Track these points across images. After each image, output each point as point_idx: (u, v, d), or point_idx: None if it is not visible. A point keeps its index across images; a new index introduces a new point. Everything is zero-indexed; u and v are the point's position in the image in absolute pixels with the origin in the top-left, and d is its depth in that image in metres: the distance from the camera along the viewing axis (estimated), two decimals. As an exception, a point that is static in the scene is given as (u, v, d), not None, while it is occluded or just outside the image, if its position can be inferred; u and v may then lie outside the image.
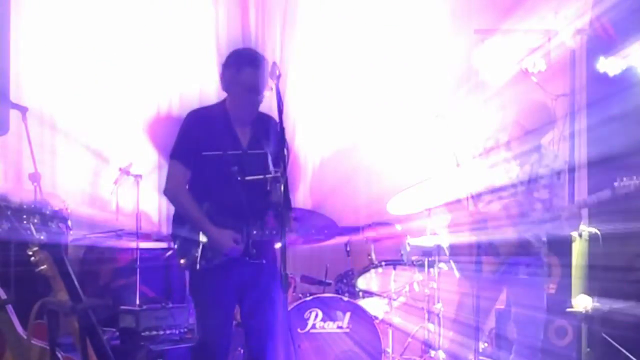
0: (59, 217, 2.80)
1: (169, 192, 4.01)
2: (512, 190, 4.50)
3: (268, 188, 3.76)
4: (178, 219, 4.02)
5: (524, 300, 4.46)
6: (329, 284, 6.05)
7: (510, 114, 4.55)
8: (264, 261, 3.95)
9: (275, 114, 3.72)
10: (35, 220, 2.71)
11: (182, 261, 3.98)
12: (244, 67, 3.91)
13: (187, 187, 3.99)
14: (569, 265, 5.82)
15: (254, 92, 3.90)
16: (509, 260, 4.45)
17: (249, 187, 3.88)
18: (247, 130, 4.01)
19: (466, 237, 4.45)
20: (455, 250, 4.57)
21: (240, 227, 3.91)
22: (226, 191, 3.92)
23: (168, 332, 5.74)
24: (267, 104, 3.99)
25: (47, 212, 2.73)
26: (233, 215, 3.91)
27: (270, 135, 3.93)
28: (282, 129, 3.65)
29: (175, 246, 4.03)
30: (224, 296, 3.98)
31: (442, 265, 5.36)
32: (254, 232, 3.91)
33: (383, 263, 5.71)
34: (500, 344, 5.31)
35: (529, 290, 4.51)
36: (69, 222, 5.44)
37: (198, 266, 3.92)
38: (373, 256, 5.75)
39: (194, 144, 3.95)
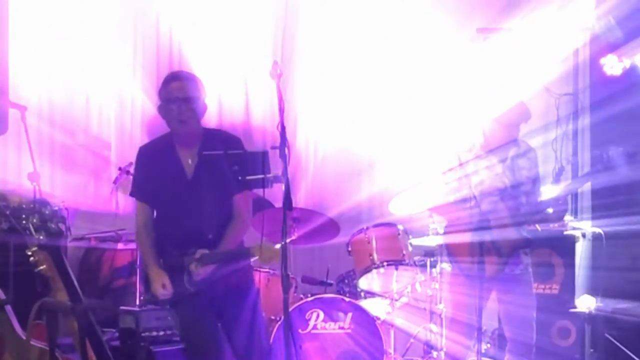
0: (58, 216, 2.77)
1: (135, 227, 4.20)
2: (500, 185, 4.54)
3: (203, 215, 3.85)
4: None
5: (514, 299, 4.45)
6: (331, 285, 6.02)
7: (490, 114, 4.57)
8: (192, 289, 3.96)
9: (275, 113, 3.72)
10: (35, 220, 2.67)
11: (141, 298, 4.11)
12: (164, 84, 4.05)
13: (149, 223, 4.12)
14: (573, 266, 5.79)
15: (172, 101, 3.97)
16: (510, 259, 4.47)
17: (189, 210, 3.97)
18: (193, 155, 4.05)
19: (465, 237, 4.45)
20: (455, 250, 4.57)
21: (180, 260, 3.97)
22: (169, 216, 4.06)
23: (168, 332, 5.70)
24: (268, 103, 3.99)
25: (47, 212, 2.70)
26: (176, 242, 3.99)
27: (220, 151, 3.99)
28: (283, 128, 3.63)
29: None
30: (197, 321, 4.06)
31: (444, 265, 5.35)
32: (187, 263, 3.95)
33: (385, 263, 5.67)
34: (503, 344, 5.29)
35: (519, 288, 4.51)
36: (68, 222, 5.45)
37: (153, 301, 4.11)
38: (375, 256, 5.71)
39: (144, 179, 4.12)
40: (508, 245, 4.43)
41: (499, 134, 4.59)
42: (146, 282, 4.10)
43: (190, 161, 4.05)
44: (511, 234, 4.44)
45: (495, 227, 4.39)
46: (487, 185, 4.54)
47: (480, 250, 4.37)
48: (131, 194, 4.18)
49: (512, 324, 4.56)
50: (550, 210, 4.45)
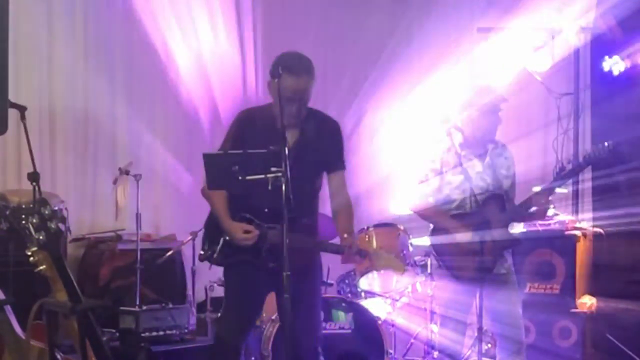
0: (58, 217, 2.74)
1: (205, 186, 4.07)
2: (482, 184, 4.53)
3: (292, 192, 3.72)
4: (210, 215, 4.11)
5: (500, 297, 4.45)
6: (331, 285, 6.01)
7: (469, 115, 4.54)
8: (270, 265, 3.91)
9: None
10: (34, 220, 2.65)
11: (200, 252, 4.06)
12: (281, 73, 3.82)
13: None
14: (573, 265, 5.78)
15: (285, 101, 3.82)
16: (497, 259, 4.47)
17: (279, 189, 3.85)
18: (295, 132, 3.99)
19: (451, 238, 4.44)
20: (442, 250, 4.57)
21: (260, 228, 3.93)
22: (255, 191, 3.86)
23: (168, 332, 5.71)
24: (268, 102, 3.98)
25: (46, 212, 2.67)
26: (258, 217, 3.94)
27: (321, 135, 3.97)
28: (284, 128, 3.62)
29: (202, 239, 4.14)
30: (246, 295, 4.02)
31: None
32: (270, 237, 3.90)
33: (385, 263, 5.65)
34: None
35: (504, 287, 4.51)
36: (68, 222, 5.45)
37: (213, 259, 3.99)
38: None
39: (237, 143, 3.97)
40: (495, 245, 4.42)
41: (484, 123, 4.53)
42: (205, 240, 4.06)
43: (290, 137, 3.94)
44: (497, 233, 4.43)
45: (482, 227, 4.38)
46: (469, 184, 4.52)
47: (467, 250, 4.37)
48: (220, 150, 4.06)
49: (501, 322, 4.55)
50: (533, 208, 4.43)
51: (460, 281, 4.44)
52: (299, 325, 3.89)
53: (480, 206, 4.45)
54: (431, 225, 4.66)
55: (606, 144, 4.29)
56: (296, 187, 3.74)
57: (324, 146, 4.01)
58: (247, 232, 3.91)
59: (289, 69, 3.84)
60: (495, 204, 4.48)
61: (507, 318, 4.49)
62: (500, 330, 4.57)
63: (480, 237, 4.34)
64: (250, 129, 4.01)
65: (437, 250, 4.60)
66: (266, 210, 3.89)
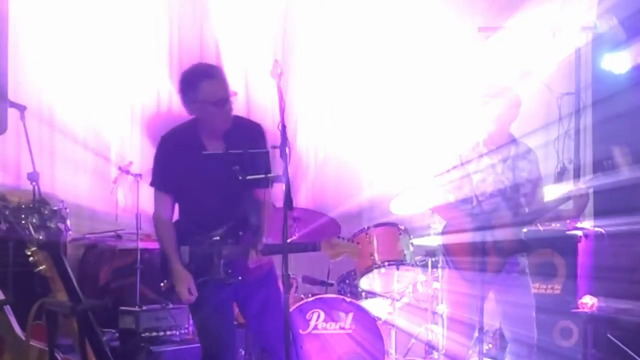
0: (58, 216, 2.74)
1: (153, 219, 4.09)
2: (500, 186, 4.52)
3: (238, 197, 3.72)
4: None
5: (513, 299, 4.44)
6: (331, 285, 6.00)
7: (493, 110, 4.53)
8: (239, 278, 3.93)
9: (276, 113, 3.69)
10: (34, 220, 2.64)
11: (161, 284, 4.01)
12: (200, 82, 3.86)
13: (170, 214, 4.03)
14: (575, 266, 5.77)
15: (219, 104, 3.86)
16: (509, 261, 4.46)
17: (220, 199, 3.88)
18: (219, 144, 3.97)
19: (464, 237, 4.43)
20: (453, 250, 4.55)
21: (213, 245, 3.91)
22: (198, 205, 3.95)
23: (168, 333, 5.70)
24: (270, 103, 3.97)
25: (46, 212, 2.67)
26: (207, 230, 3.92)
27: (246, 141, 3.90)
28: (284, 128, 3.61)
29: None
30: (217, 309, 3.97)
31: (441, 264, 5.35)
32: (224, 252, 3.90)
33: (386, 263, 5.65)
34: (504, 345, 5.27)
35: (518, 289, 4.50)
36: (68, 222, 5.43)
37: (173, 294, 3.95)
38: (376, 256, 5.69)
39: (167, 169, 3.99)
40: (507, 246, 4.41)
41: (508, 118, 4.55)
42: (165, 270, 4.01)
43: (214, 149, 3.96)
44: (510, 235, 4.42)
45: (495, 227, 4.38)
46: (488, 184, 4.52)
47: (479, 251, 4.35)
48: (151, 184, 4.06)
49: (513, 324, 4.54)
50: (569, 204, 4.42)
51: (469, 281, 4.42)
52: (273, 335, 3.87)
53: (494, 208, 4.44)
54: (440, 225, 4.65)
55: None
56: (233, 202, 3.74)
57: (250, 155, 3.88)
58: (189, 290, 3.88)
59: (204, 75, 3.87)
60: (509, 206, 4.47)
61: (519, 321, 4.48)
62: (512, 333, 4.54)
63: (491, 238, 4.33)
64: (175, 151, 3.99)
65: (448, 250, 4.58)
66: (216, 221, 3.89)
